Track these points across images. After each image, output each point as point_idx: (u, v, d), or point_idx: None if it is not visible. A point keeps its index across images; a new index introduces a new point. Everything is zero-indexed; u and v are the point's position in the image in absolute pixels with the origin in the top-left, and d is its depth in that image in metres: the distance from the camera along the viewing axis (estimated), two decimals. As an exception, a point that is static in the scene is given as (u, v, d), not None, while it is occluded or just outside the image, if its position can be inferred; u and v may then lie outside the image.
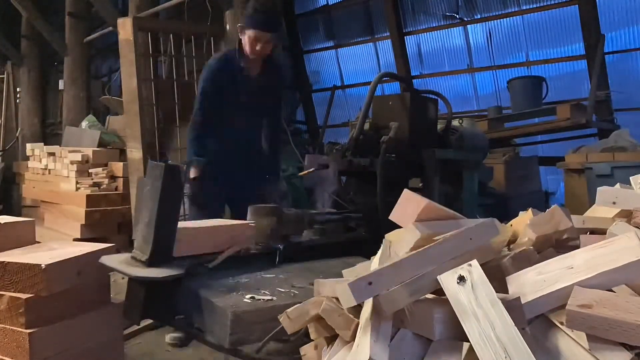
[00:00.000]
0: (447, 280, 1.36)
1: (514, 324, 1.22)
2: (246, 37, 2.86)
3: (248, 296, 1.88)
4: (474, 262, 1.36)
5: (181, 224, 2.26)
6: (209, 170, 2.98)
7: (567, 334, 1.31)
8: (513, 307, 1.37)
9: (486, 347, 1.21)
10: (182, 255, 2.11)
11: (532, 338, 1.33)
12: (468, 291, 1.31)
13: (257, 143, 3.24)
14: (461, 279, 1.33)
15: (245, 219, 2.58)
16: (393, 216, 1.74)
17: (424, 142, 3.78)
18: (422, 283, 1.42)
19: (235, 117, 3.02)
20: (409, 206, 1.69)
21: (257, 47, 2.86)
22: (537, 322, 1.39)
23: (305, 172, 3.56)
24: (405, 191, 1.74)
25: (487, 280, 1.32)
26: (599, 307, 1.21)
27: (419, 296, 1.42)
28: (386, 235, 1.84)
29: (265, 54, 2.93)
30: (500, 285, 1.52)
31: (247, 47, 2.88)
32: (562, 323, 1.33)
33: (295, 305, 1.65)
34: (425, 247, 1.51)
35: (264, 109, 3.22)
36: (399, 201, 1.73)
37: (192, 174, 2.84)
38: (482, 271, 1.34)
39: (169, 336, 2.88)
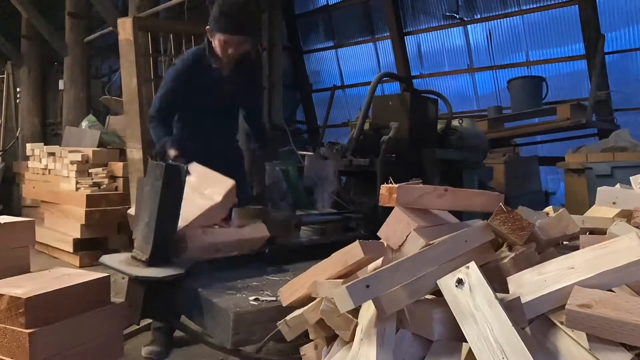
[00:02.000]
0: (446, 283, 1.36)
1: (512, 324, 1.22)
2: (216, 41, 2.67)
3: (252, 298, 1.87)
4: (472, 264, 1.36)
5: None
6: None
7: (567, 334, 1.31)
8: (513, 307, 1.37)
9: (484, 348, 1.21)
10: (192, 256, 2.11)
11: (532, 338, 1.33)
12: (466, 294, 1.31)
13: (229, 142, 3.08)
14: (459, 281, 1.33)
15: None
16: (381, 234, 1.72)
17: (424, 142, 3.79)
18: (421, 284, 1.42)
19: (206, 117, 2.84)
20: (398, 227, 1.67)
21: (229, 51, 2.66)
22: (537, 322, 1.39)
23: (305, 153, 3.55)
24: (395, 210, 1.71)
25: (485, 281, 1.32)
26: (599, 307, 1.21)
27: (418, 297, 1.42)
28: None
29: (238, 56, 2.72)
30: (501, 285, 1.52)
31: (218, 50, 2.69)
32: (562, 323, 1.32)
33: (294, 313, 1.65)
34: (422, 250, 1.50)
35: (236, 108, 3.06)
36: (387, 220, 1.71)
37: (173, 153, 2.61)
38: (480, 273, 1.34)
39: (145, 349, 2.72)
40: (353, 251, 1.65)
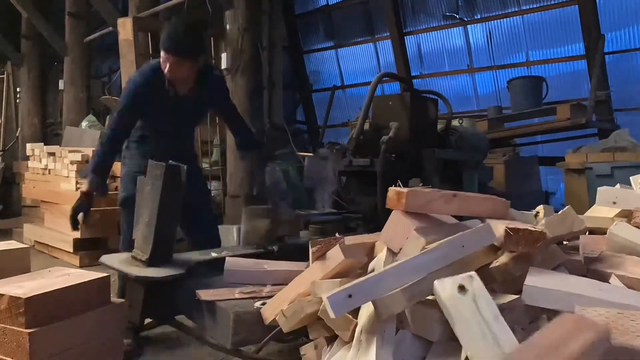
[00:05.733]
0: (444, 288, 1.34)
1: (517, 340, 1.20)
2: (161, 59, 2.72)
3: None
4: (474, 274, 1.34)
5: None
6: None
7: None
8: (514, 307, 1.36)
9: None
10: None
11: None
12: (469, 304, 1.29)
13: (186, 147, 3.16)
14: (461, 288, 1.32)
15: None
16: (382, 238, 1.72)
17: (424, 142, 3.79)
18: (420, 288, 1.40)
19: (163, 131, 2.91)
20: (398, 228, 1.66)
21: (167, 69, 2.69)
22: (538, 322, 1.39)
23: (305, 154, 3.57)
24: (395, 213, 1.70)
25: (488, 293, 1.31)
26: None
27: (416, 300, 1.41)
28: (377, 243, 1.84)
29: (178, 77, 2.75)
30: (501, 286, 1.52)
31: (163, 67, 2.72)
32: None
33: (291, 303, 1.65)
34: (410, 257, 1.47)
35: (196, 120, 3.16)
36: (388, 222, 1.70)
37: (84, 187, 2.72)
38: (482, 285, 1.32)
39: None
40: (333, 255, 1.65)
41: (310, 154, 3.53)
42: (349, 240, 1.89)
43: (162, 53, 2.69)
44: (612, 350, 1.10)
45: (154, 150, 2.81)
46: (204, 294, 1.91)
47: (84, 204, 2.71)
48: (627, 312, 1.22)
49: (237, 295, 1.90)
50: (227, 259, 2.13)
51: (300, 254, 2.47)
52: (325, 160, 3.62)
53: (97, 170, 2.72)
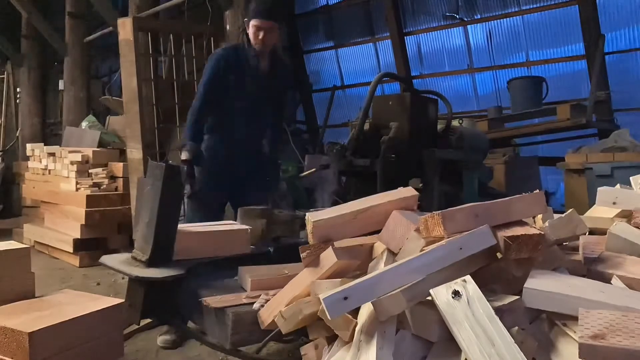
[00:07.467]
0: (440, 293, 1.35)
1: (514, 341, 1.20)
2: (250, 28, 2.99)
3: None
4: (468, 278, 1.35)
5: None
6: (210, 164, 3.08)
7: (568, 334, 1.31)
8: (514, 308, 1.36)
9: None
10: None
11: (533, 339, 1.32)
12: (464, 306, 1.29)
13: (260, 138, 3.31)
14: (456, 293, 1.32)
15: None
16: (381, 238, 1.72)
17: (424, 142, 3.79)
18: (418, 290, 1.40)
19: (240, 110, 3.10)
20: (397, 229, 1.66)
21: (260, 36, 2.97)
22: (538, 322, 1.39)
23: (307, 172, 3.58)
24: (394, 213, 1.70)
25: (483, 295, 1.31)
26: (612, 335, 1.13)
27: (414, 302, 1.41)
28: (376, 244, 1.83)
29: (269, 44, 3.03)
30: (502, 286, 1.52)
31: (251, 38, 3.00)
32: (564, 324, 1.32)
33: (290, 305, 1.65)
34: (406, 260, 1.47)
35: (268, 106, 3.25)
36: (387, 223, 1.70)
37: (184, 156, 2.96)
38: (477, 287, 1.32)
39: (160, 339, 2.77)
40: (327, 257, 1.65)
41: (313, 170, 3.57)
42: (348, 241, 1.89)
43: (254, 22, 2.98)
44: (622, 352, 1.09)
45: (227, 139, 3.12)
46: (212, 301, 1.87)
47: (189, 170, 2.96)
48: (632, 314, 1.20)
49: (244, 300, 1.88)
50: (240, 267, 2.12)
51: (297, 255, 2.48)
52: (328, 167, 3.62)
53: (194, 137, 3.02)
